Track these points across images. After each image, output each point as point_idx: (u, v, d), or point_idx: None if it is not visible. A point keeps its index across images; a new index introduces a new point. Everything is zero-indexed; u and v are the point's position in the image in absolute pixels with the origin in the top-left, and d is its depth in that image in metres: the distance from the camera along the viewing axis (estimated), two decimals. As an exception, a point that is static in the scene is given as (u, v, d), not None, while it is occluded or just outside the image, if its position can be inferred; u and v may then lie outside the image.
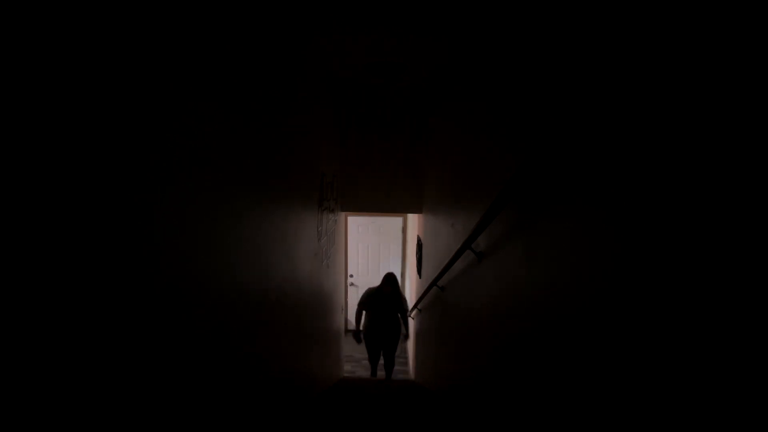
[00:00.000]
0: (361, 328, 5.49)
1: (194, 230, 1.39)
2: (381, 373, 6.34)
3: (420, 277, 5.68)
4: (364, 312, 5.46)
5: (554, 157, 1.35)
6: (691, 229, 0.78)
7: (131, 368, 1.06)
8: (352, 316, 7.48)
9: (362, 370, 6.54)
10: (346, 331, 6.58)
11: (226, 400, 1.69)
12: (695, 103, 0.78)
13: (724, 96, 0.73)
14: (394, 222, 8.17)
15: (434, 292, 4.02)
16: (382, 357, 5.87)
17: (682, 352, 0.80)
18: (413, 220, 6.92)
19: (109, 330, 0.96)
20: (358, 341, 5.41)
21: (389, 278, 5.42)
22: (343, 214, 5.87)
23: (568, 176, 1.28)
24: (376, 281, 6.45)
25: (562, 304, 1.30)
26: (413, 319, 6.12)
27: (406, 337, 5.71)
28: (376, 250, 8.20)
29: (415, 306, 5.37)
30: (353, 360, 6.87)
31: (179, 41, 1.25)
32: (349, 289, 7.93)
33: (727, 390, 0.71)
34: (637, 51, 0.96)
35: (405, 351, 7.45)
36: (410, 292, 6.84)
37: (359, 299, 5.48)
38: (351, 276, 8.12)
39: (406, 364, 7.07)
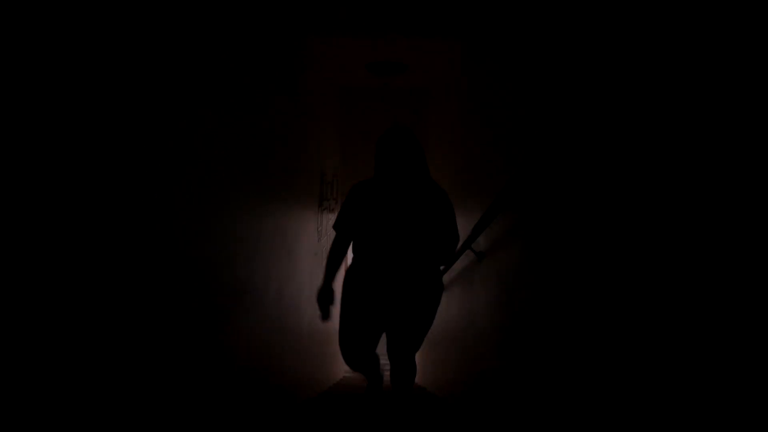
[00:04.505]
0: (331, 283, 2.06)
1: (198, 223, 1.39)
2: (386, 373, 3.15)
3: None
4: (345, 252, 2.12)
5: (550, 159, 1.35)
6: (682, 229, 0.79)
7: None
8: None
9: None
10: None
11: (215, 397, 1.69)
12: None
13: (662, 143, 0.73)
14: (394, 221, 8.13)
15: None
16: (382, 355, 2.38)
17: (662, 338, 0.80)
18: (414, 219, 6.90)
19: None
20: (325, 315, 2.06)
21: (398, 132, 2.21)
22: (343, 213, 5.86)
23: (562, 179, 1.27)
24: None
25: (561, 302, 1.29)
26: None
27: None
28: (377, 249, 8.13)
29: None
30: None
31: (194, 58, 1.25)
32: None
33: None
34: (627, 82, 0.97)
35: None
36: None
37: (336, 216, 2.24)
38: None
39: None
